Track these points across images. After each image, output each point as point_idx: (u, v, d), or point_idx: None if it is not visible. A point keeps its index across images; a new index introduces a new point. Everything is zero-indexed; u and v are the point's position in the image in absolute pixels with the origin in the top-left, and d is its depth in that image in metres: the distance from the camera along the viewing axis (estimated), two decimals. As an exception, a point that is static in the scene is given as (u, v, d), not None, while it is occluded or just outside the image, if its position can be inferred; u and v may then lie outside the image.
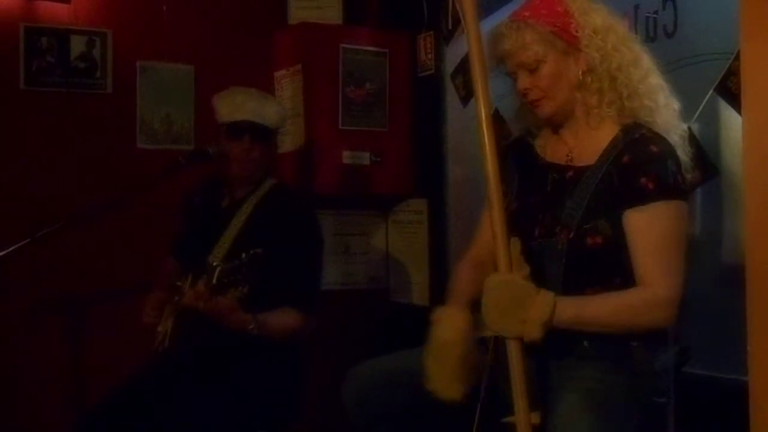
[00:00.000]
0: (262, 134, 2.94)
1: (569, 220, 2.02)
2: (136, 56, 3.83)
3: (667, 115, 2.11)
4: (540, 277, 1.96)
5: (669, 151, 2.04)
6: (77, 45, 3.71)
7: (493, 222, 1.87)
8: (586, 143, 2.12)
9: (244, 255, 2.55)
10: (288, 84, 3.96)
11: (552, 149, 2.19)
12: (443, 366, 1.97)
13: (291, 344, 2.88)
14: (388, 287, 4.20)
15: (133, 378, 2.79)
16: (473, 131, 3.52)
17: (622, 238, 1.99)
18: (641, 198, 1.97)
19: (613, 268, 2.02)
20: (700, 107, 2.55)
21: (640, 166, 2.00)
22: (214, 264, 2.61)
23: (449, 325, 2.01)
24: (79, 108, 3.72)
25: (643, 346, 2.03)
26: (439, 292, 3.77)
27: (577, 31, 2.05)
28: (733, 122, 2.47)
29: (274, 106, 3.03)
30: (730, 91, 2.46)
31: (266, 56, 4.03)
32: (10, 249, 2.85)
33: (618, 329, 1.96)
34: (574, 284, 2.01)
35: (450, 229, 3.88)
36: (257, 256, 2.53)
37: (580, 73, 2.07)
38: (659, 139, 2.05)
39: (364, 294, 4.16)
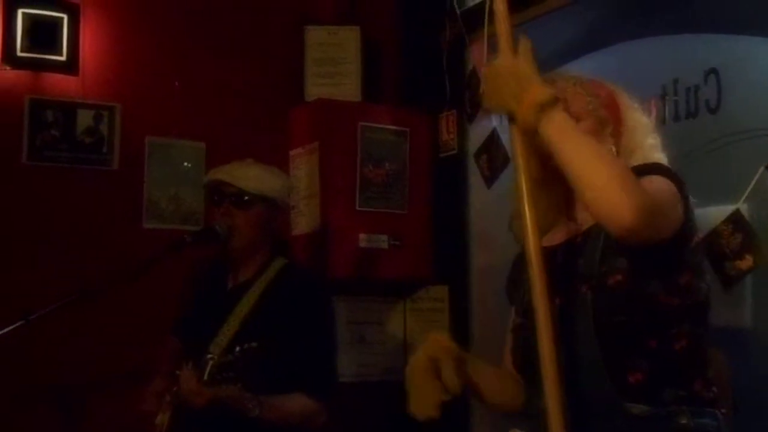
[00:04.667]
0: (239, 198, 2.80)
1: (588, 271, 1.91)
2: (145, 132, 3.75)
3: None
4: (572, 336, 1.87)
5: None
6: (84, 119, 3.63)
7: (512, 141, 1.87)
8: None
9: (238, 349, 2.46)
10: (304, 163, 3.88)
11: (559, 234, 2.08)
12: (419, 381, 1.99)
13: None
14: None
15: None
16: (497, 214, 3.50)
17: (643, 270, 1.86)
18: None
19: (639, 303, 1.87)
20: (750, 186, 2.45)
21: (635, 168, 1.92)
22: (209, 357, 2.51)
23: (431, 342, 2.04)
24: (83, 185, 3.63)
25: None
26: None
27: (622, 116, 2.05)
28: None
29: (258, 170, 2.87)
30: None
31: (281, 134, 3.97)
32: (3, 331, 2.70)
33: (585, 181, 1.76)
34: (606, 330, 1.87)
35: (473, 319, 3.78)
36: (252, 350, 2.44)
37: (613, 149, 2.01)
38: None
39: (380, 386, 3.99)
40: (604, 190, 1.73)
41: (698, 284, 1.91)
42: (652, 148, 2.05)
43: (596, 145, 1.83)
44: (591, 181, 1.75)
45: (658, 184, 1.86)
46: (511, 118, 1.84)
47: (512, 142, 1.87)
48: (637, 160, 2.00)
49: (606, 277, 1.88)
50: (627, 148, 2.03)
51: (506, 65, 1.85)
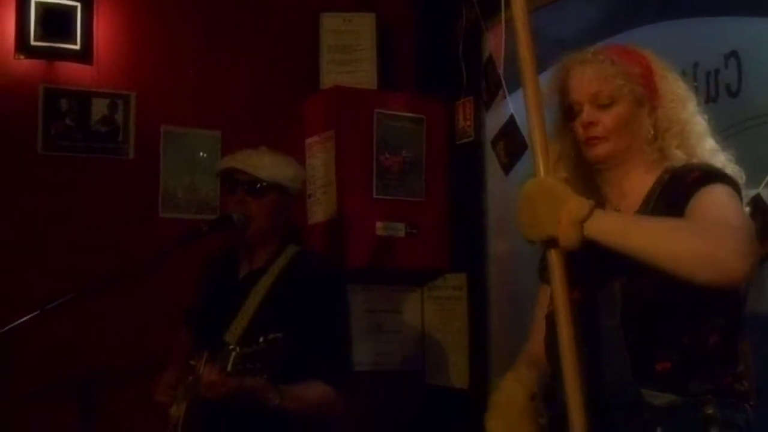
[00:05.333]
0: (252, 186, 2.77)
1: (623, 265, 1.83)
2: (161, 120, 3.73)
3: None
4: (595, 335, 1.84)
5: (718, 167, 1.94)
6: (99, 108, 3.62)
7: (530, 129, 1.83)
8: (629, 191, 2.00)
9: (262, 339, 2.41)
10: (320, 151, 3.86)
11: None
12: (504, 423, 1.91)
13: (318, 429, 2.73)
14: (424, 369, 4.04)
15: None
16: (516, 202, 3.47)
17: None
18: (693, 187, 1.84)
19: (676, 312, 1.84)
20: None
21: (685, 171, 1.90)
22: (230, 347, 2.46)
23: (513, 381, 1.96)
24: (98, 174, 3.62)
25: None
26: (478, 374, 3.61)
27: (658, 87, 1.99)
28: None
29: (271, 158, 2.85)
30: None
31: (297, 122, 3.94)
32: (19, 321, 2.72)
33: (662, 249, 1.72)
34: (635, 323, 1.85)
35: (491, 307, 3.74)
36: (277, 341, 2.40)
37: (650, 128, 1.98)
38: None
39: (398, 376, 3.99)
40: (702, 259, 1.68)
41: None
42: (689, 118, 1.99)
43: (658, 223, 1.79)
44: (680, 259, 1.69)
45: (730, 203, 1.80)
46: (551, 243, 1.79)
47: (551, 268, 1.81)
48: (674, 136, 1.96)
49: (642, 273, 1.81)
50: (665, 120, 1.98)
51: (537, 188, 1.80)
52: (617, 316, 1.86)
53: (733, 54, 2.60)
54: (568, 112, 2.01)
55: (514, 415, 1.90)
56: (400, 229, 3.80)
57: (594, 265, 1.89)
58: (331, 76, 3.94)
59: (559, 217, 1.74)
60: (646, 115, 1.98)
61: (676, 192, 1.88)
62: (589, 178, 2.05)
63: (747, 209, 1.98)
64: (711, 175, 1.86)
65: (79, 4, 3.56)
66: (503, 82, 3.56)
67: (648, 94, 1.98)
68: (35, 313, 2.73)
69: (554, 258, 1.80)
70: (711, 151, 1.99)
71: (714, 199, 1.81)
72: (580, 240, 1.74)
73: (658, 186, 1.96)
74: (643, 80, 1.97)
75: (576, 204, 1.75)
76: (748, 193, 2.06)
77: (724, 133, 2.56)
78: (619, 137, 1.96)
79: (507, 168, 3.60)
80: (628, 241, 1.74)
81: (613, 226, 1.76)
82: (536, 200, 1.78)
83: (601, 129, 1.96)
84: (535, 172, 1.84)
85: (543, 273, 2.12)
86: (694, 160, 1.95)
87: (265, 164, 2.80)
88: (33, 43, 3.51)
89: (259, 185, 2.78)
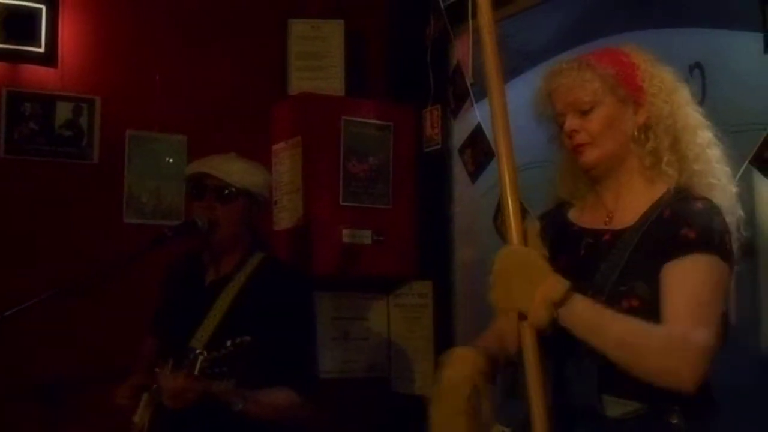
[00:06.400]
0: (221, 192, 2.76)
1: (603, 282, 1.87)
2: (126, 125, 3.69)
3: (726, 196, 1.95)
4: (572, 347, 1.81)
5: (716, 210, 1.88)
6: (63, 112, 3.57)
7: (501, 194, 1.82)
8: (628, 204, 1.98)
9: (229, 343, 2.39)
10: (286, 157, 3.84)
11: (590, 214, 2.05)
12: (447, 410, 1.86)
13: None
14: (390, 376, 4.03)
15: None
16: (482, 209, 3.48)
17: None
18: (681, 248, 1.81)
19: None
20: (734, 181, 2.37)
21: (682, 217, 1.85)
22: (197, 352, 2.44)
23: (459, 364, 1.89)
24: (62, 179, 3.57)
25: None
26: None
27: (642, 82, 1.95)
28: (770, 196, 2.32)
29: (241, 164, 2.84)
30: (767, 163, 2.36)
31: (264, 128, 3.92)
32: None
33: (631, 357, 1.74)
34: None
35: (457, 315, 3.76)
36: (244, 344, 2.38)
37: (636, 127, 1.95)
38: (707, 200, 1.90)
39: (364, 383, 3.98)
40: (660, 371, 1.72)
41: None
42: (680, 105, 1.96)
43: (628, 325, 1.76)
44: (639, 367, 1.73)
45: (711, 279, 1.79)
46: (522, 316, 1.78)
47: (522, 338, 1.79)
48: (665, 132, 1.93)
49: (621, 298, 1.83)
50: (655, 116, 1.94)
51: (514, 259, 1.79)
52: None
53: (698, 65, 2.62)
54: (558, 125, 2.01)
55: (456, 405, 1.85)
56: (366, 237, 3.80)
57: (580, 268, 1.90)
58: (299, 82, 3.94)
59: (533, 295, 1.73)
60: (631, 114, 1.95)
61: (667, 237, 1.84)
62: (591, 186, 2.04)
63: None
64: (703, 242, 1.81)
65: (44, 7, 3.52)
66: (470, 91, 3.57)
67: (630, 93, 1.95)
68: (-5, 319, 2.67)
69: (525, 334, 1.78)
70: (705, 146, 1.96)
71: (696, 275, 1.79)
72: (550, 322, 1.74)
73: (655, 211, 1.92)
74: (623, 79, 1.94)
75: (552, 284, 1.75)
76: (739, 211, 2.04)
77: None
78: (604, 140, 1.94)
79: (474, 176, 3.61)
80: (598, 338, 1.75)
81: (586, 319, 1.76)
82: (512, 274, 1.77)
83: (584, 135, 1.95)
84: (509, 239, 1.82)
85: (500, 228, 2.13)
86: (694, 180, 1.92)
87: (234, 170, 2.78)
88: (-3, 45, 3.46)
89: (227, 191, 2.76)
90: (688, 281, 1.78)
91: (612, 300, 1.83)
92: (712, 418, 1.88)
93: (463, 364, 1.89)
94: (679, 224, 1.84)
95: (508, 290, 1.77)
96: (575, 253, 1.97)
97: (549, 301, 1.73)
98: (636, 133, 1.94)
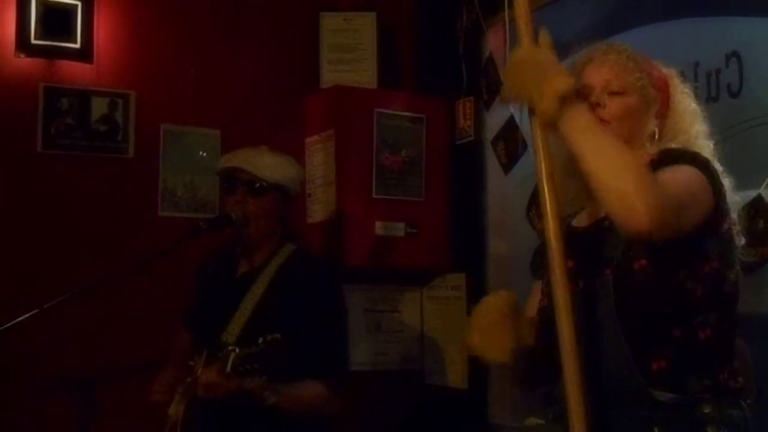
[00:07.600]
0: (252, 186, 2.76)
1: (612, 254, 1.88)
2: (161, 119, 3.72)
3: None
4: (595, 321, 1.85)
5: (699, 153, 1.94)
6: (99, 107, 3.61)
7: (538, 185, 1.83)
8: None
9: (261, 340, 2.39)
10: (319, 150, 3.85)
11: (588, 214, 2.07)
12: (485, 322, 1.96)
13: (316, 428, 2.72)
14: (423, 368, 4.03)
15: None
16: (515, 201, 3.46)
17: (667, 257, 1.82)
18: (668, 164, 1.85)
19: (663, 290, 1.84)
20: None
21: (666, 153, 1.92)
22: (230, 348, 2.44)
23: (495, 296, 2.01)
24: (98, 173, 3.61)
25: None
26: (477, 374, 3.60)
27: (672, 101, 2.02)
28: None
29: (273, 158, 2.84)
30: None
31: (297, 121, 3.93)
32: (17, 320, 2.68)
33: (601, 167, 1.73)
34: (628, 315, 1.85)
35: None
36: (276, 342, 2.38)
37: (656, 130, 1.98)
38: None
39: (397, 375, 3.98)
40: (617, 192, 1.70)
41: (725, 273, 1.87)
42: (697, 134, 2.02)
43: (614, 144, 1.77)
44: (604, 182, 1.72)
45: (683, 175, 1.82)
46: (531, 110, 1.80)
47: (533, 132, 1.83)
48: (679, 145, 1.97)
49: (631, 261, 1.85)
50: (671, 131, 2.00)
51: (527, 55, 1.82)
52: (611, 303, 1.86)
53: (735, 54, 2.59)
54: (578, 96, 1.98)
55: (493, 323, 1.94)
56: (399, 229, 3.80)
57: (586, 258, 1.92)
58: (331, 75, 3.94)
59: (542, 87, 1.76)
60: (652, 116, 1.98)
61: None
62: (589, 195, 2.02)
63: (735, 211, 1.95)
64: (689, 159, 1.88)
65: (79, 3, 3.55)
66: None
67: (659, 99, 1.99)
68: (34, 311, 2.70)
69: (535, 124, 1.82)
70: None
71: (675, 173, 1.82)
72: (555, 116, 1.76)
73: None
74: (659, 86, 2.00)
75: (560, 79, 1.76)
76: (748, 195, 2.05)
77: (725, 133, 2.57)
78: (621, 126, 1.95)
79: (507, 168, 3.60)
80: (579, 142, 1.76)
81: (577, 122, 1.77)
82: (525, 67, 1.80)
83: (606, 112, 1.96)
84: (521, 43, 1.85)
85: (536, 270, 2.15)
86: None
87: (266, 164, 2.79)
88: (33, 41, 3.50)
89: (259, 185, 2.77)
90: (668, 173, 1.81)
91: (623, 266, 1.85)
92: (747, 406, 1.87)
93: (499, 293, 2.01)
94: (665, 157, 1.89)
95: (520, 81, 1.80)
96: (578, 248, 1.96)
97: (557, 94, 1.75)
98: (654, 135, 1.98)
